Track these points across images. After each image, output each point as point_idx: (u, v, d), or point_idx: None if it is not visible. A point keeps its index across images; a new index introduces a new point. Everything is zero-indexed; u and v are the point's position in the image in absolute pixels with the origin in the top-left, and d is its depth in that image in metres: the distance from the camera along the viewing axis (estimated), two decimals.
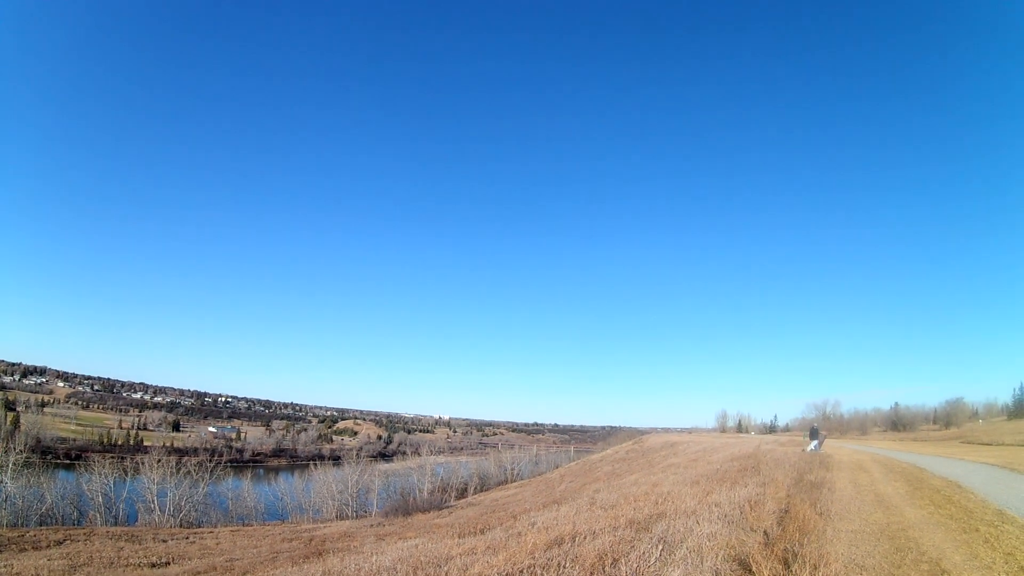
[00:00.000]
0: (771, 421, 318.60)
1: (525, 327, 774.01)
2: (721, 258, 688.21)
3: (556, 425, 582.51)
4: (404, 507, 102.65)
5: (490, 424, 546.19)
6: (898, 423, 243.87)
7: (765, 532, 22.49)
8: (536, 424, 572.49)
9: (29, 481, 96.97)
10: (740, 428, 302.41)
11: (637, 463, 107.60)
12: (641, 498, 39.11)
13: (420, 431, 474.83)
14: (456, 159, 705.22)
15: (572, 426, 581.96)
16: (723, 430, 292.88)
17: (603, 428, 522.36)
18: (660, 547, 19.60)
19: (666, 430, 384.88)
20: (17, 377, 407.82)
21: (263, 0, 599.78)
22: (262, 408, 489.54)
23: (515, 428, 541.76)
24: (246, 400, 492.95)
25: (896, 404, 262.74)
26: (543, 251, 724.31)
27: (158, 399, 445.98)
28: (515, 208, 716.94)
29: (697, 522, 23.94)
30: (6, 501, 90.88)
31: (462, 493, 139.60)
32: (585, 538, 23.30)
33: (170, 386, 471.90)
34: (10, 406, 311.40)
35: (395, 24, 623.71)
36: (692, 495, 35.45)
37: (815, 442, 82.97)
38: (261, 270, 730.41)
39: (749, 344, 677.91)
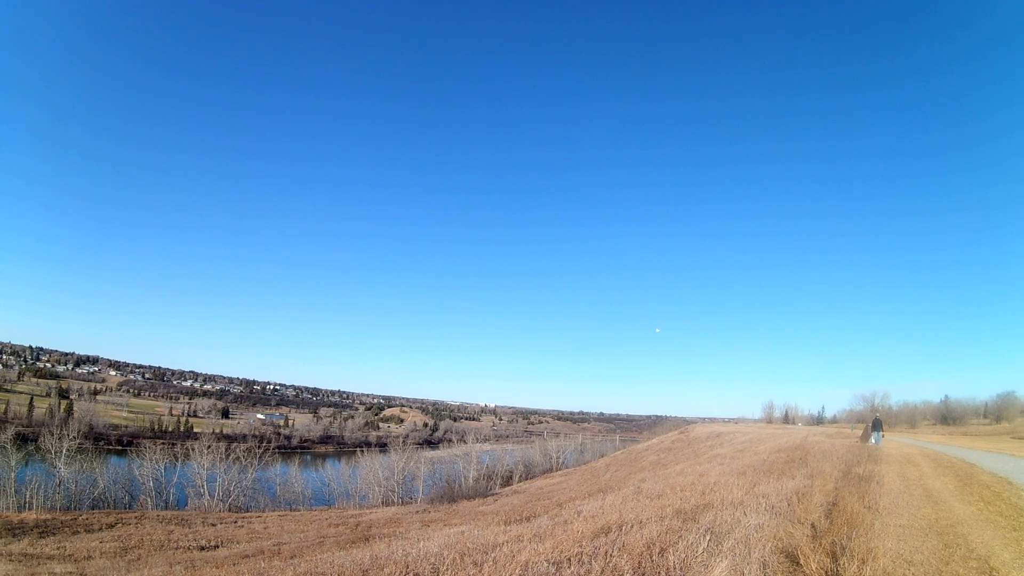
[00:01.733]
0: (818, 412, 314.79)
1: (572, 315, 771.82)
2: (769, 245, 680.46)
3: (602, 414, 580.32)
4: (449, 494, 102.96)
5: (536, 412, 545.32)
6: (948, 416, 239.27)
7: (813, 525, 22.40)
8: (582, 413, 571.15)
9: (82, 466, 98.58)
10: (787, 419, 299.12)
11: (683, 453, 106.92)
12: (687, 488, 38.96)
13: (466, 419, 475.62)
14: (493, 149, 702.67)
15: (618, 415, 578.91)
16: (769, 421, 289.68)
17: (648, 417, 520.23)
18: (707, 538, 19.60)
19: (712, 420, 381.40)
20: (71, 366, 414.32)
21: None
22: (310, 396, 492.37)
23: (560, 416, 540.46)
24: (294, 388, 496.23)
25: (946, 397, 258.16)
26: (592, 239, 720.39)
27: (208, 387, 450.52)
28: (558, 198, 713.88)
29: (744, 513, 23.85)
30: (60, 486, 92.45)
31: (507, 481, 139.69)
32: (632, 527, 23.30)
33: (219, 374, 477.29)
34: (64, 394, 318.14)
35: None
36: (739, 486, 35.26)
37: (877, 434, 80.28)
38: (310, 260, 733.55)
39: (796, 333, 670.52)
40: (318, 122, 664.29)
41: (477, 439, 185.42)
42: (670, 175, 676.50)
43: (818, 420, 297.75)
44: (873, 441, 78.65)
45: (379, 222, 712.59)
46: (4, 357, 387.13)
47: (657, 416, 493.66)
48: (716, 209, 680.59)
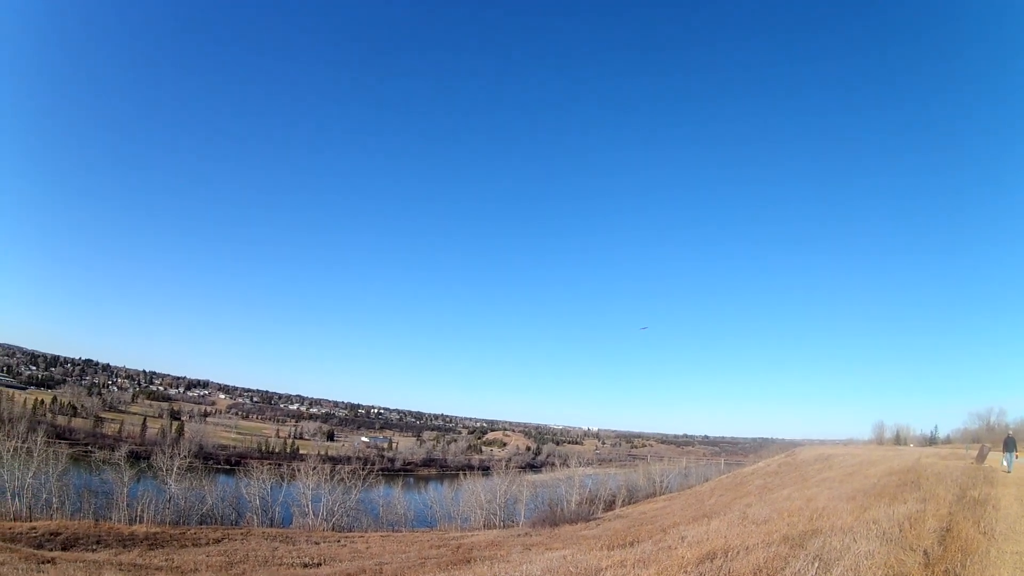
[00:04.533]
0: (931, 432, 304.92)
1: (677, 338, 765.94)
2: (879, 257, 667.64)
3: (706, 437, 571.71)
4: (551, 518, 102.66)
5: (639, 436, 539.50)
6: None
7: (925, 552, 21.76)
8: (685, 436, 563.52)
9: (191, 484, 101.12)
10: (898, 440, 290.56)
11: (790, 476, 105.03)
12: (795, 513, 38.29)
13: (569, 443, 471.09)
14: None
15: (722, 438, 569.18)
16: (880, 442, 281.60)
17: (754, 440, 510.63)
18: (816, 565, 19.18)
19: (820, 442, 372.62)
20: (182, 390, 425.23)
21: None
22: (413, 419, 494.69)
23: (664, 440, 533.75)
24: (398, 412, 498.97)
25: None
26: (695, 253, 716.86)
27: (313, 410, 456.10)
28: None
29: (854, 539, 23.32)
30: (170, 501, 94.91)
31: (610, 505, 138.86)
32: (738, 553, 22.93)
33: (325, 398, 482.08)
34: (175, 415, 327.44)
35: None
36: (848, 511, 34.50)
37: (1009, 455, 73.61)
38: (415, 287, 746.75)
39: (907, 350, 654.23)
40: (371, 141, 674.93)
41: (579, 463, 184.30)
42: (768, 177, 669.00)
43: (930, 440, 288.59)
44: (1004, 464, 72.24)
45: (478, 248, 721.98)
46: (119, 380, 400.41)
47: (763, 439, 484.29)
48: (819, 220, 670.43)
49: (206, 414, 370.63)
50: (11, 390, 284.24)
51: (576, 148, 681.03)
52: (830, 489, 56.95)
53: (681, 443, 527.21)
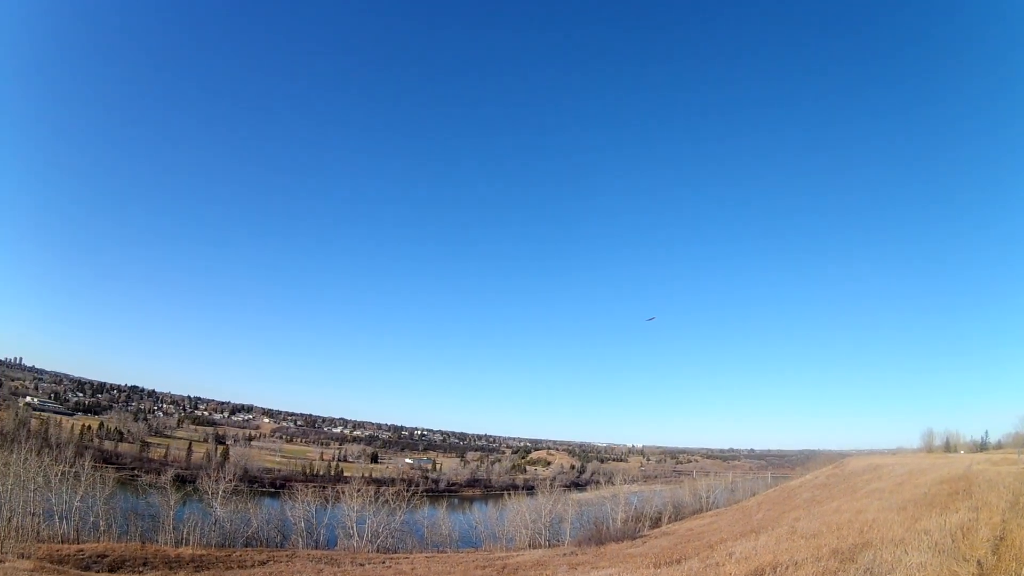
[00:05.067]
0: (981, 438, 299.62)
1: (720, 351, 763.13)
2: (920, 263, 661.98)
3: (752, 450, 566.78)
4: (597, 536, 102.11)
5: (684, 451, 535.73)
6: None
7: (979, 562, 21.18)
8: (731, 450, 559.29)
9: (236, 506, 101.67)
10: (947, 447, 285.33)
11: (838, 488, 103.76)
12: (844, 526, 37.74)
13: (613, 460, 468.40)
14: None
15: (768, 451, 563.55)
16: (929, 449, 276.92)
17: (800, 452, 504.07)
18: None
19: (868, 452, 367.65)
20: (226, 414, 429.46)
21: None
22: (457, 440, 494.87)
23: (709, 455, 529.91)
24: (441, 433, 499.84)
25: None
26: (737, 269, 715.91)
27: (357, 433, 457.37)
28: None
29: (905, 551, 22.82)
30: (215, 524, 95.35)
31: (656, 522, 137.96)
32: (787, 569, 22.50)
33: (369, 421, 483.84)
34: (220, 440, 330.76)
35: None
36: (898, 522, 33.88)
37: None
38: (454, 311, 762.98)
39: (955, 354, 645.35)
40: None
41: (624, 480, 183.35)
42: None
43: (981, 446, 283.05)
44: None
45: (521, 270, 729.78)
46: (165, 406, 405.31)
47: (810, 450, 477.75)
48: (863, 227, 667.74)
49: (251, 438, 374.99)
50: (59, 416, 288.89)
51: (601, 165, 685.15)
52: (880, 500, 56.07)
53: (727, 457, 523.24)
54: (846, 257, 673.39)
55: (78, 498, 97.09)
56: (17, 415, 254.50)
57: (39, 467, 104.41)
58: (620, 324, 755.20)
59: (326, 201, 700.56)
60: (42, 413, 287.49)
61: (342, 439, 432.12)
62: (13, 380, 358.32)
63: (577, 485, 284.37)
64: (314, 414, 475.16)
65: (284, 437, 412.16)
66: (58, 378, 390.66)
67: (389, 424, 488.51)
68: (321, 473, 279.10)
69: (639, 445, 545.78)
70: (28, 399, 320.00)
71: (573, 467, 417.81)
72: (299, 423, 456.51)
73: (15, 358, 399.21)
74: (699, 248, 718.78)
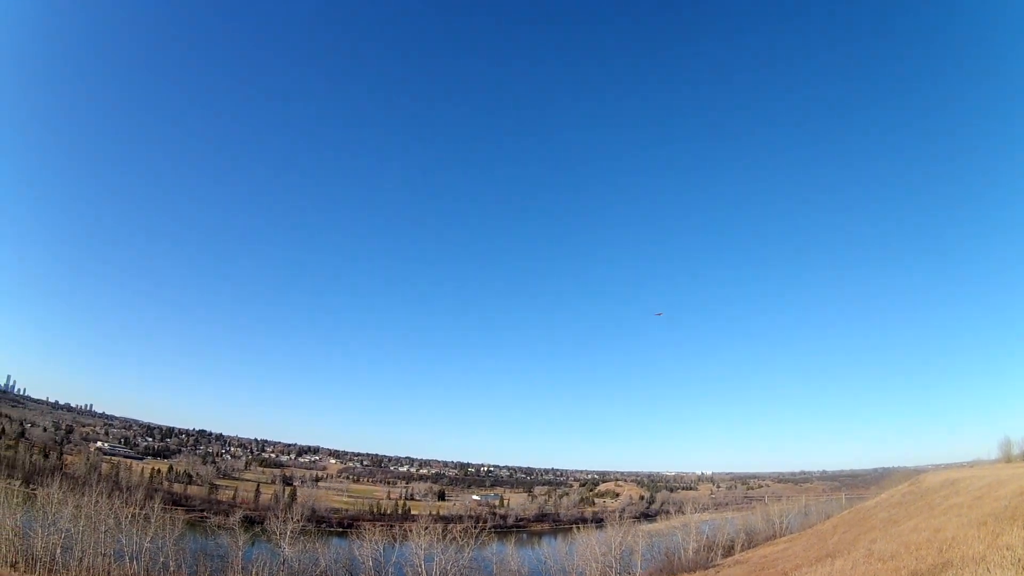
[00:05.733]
0: None
1: (786, 373, 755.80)
2: (984, 266, 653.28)
3: (824, 472, 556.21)
4: (668, 567, 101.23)
5: (754, 476, 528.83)
6: None
7: None
8: (803, 472, 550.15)
9: (305, 546, 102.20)
10: None
11: (915, 506, 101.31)
12: (923, 546, 36.55)
13: (683, 489, 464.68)
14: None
15: (841, 471, 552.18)
16: (1008, 459, 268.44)
17: (875, 471, 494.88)
18: None
19: (945, 466, 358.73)
20: (293, 456, 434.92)
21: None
22: (524, 475, 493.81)
23: (780, 479, 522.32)
24: (508, 468, 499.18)
25: None
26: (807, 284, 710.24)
27: (423, 471, 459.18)
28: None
29: (987, 569, 21.86)
30: (284, 564, 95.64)
31: (728, 550, 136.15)
32: None
33: (435, 459, 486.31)
34: (287, 481, 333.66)
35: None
36: (979, 538, 32.62)
37: None
38: (516, 347, 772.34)
39: None
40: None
41: (695, 509, 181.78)
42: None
43: None
44: None
45: (578, 301, 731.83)
46: (232, 449, 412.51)
47: (884, 468, 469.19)
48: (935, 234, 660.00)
49: (318, 479, 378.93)
50: (129, 460, 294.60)
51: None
52: (958, 516, 54.38)
53: (798, 480, 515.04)
54: (916, 268, 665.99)
55: (148, 539, 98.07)
56: (88, 459, 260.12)
57: (109, 509, 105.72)
58: (686, 353, 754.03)
59: (386, 244, 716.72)
60: (112, 457, 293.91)
61: (409, 478, 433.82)
62: (84, 426, 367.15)
63: (647, 516, 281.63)
64: (380, 454, 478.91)
65: (351, 477, 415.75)
66: (128, 423, 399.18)
67: (455, 461, 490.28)
68: (388, 512, 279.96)
69: (708, 472, 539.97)
70: (99, 444, 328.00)
71: (642, 498, 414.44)
72: (365, 463, 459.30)
73: (86, 405, 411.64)
74: (766, 272, 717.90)
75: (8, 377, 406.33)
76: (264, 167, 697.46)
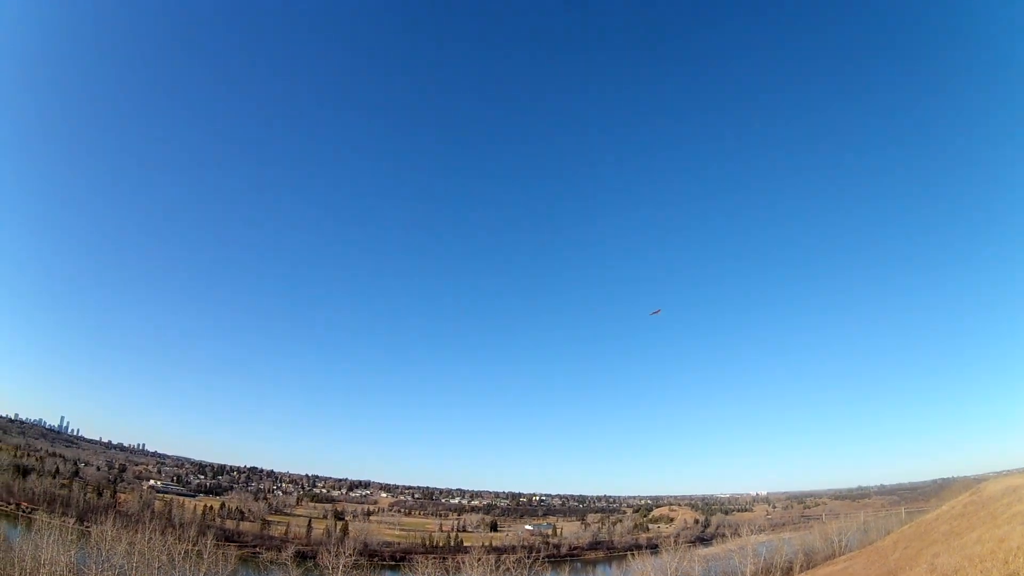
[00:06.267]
0: None
1: (840, 387, 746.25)
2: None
3: (882, 486, 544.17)
4: None
5: (811, 495, 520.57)
6: None
7: None
8: (860, 488, 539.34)
9: None
10: None
11: (977, 517, 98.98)
12: (987, 557, 35.47)
13: (738, 511, 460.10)
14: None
15: (900, 485, 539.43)
16: None
17: (934, 482, 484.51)
18: None
19: (1006, 473, 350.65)
20: (344, 491, 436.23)
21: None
22: (576, 503, 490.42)
23: (838, 496, 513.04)
24: (560, 497, 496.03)
25: None
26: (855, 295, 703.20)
27: (475, 502, 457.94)
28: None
29: None
30: None
31: (787, 572, 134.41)
32: None
33: (486, 490, 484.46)
34: (339, 516, 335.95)
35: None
36: None
37: None
38: (565, 375, 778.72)
39: None
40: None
41: (751, 531, 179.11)
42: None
43: None
44: None
45: (624, 328, 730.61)
46: (283, 485, 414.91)
47: (943, 479, 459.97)
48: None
49: (369, 513, 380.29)
50: (182, 498, 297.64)
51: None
52: (1023, 524, 52.85)
53: (856, 496, 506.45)
54: (967, 271, 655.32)
55: (201, 575, 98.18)
56: (141, 497, 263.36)
57: (163, 545, 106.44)
58: (737, 373, 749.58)
59: (435, 282, 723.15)
60: (165, 495, 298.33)
61: (460, 509, 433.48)
62: (137, 465, 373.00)
63: (702, 540, 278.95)
64: (431, 486, 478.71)
65: (402, 510, 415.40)
66: (180, 462, 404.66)
67: (507, 492, 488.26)
68: (440, 544, 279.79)
69: (763, 492, 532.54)
70: (151, 482, 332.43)
71: (697, 521, 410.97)
72: (416, 496, 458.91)
73: (138, 444, 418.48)
74: (814, 287, 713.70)
75: (62, 418, 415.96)
76: (324, 209, 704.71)
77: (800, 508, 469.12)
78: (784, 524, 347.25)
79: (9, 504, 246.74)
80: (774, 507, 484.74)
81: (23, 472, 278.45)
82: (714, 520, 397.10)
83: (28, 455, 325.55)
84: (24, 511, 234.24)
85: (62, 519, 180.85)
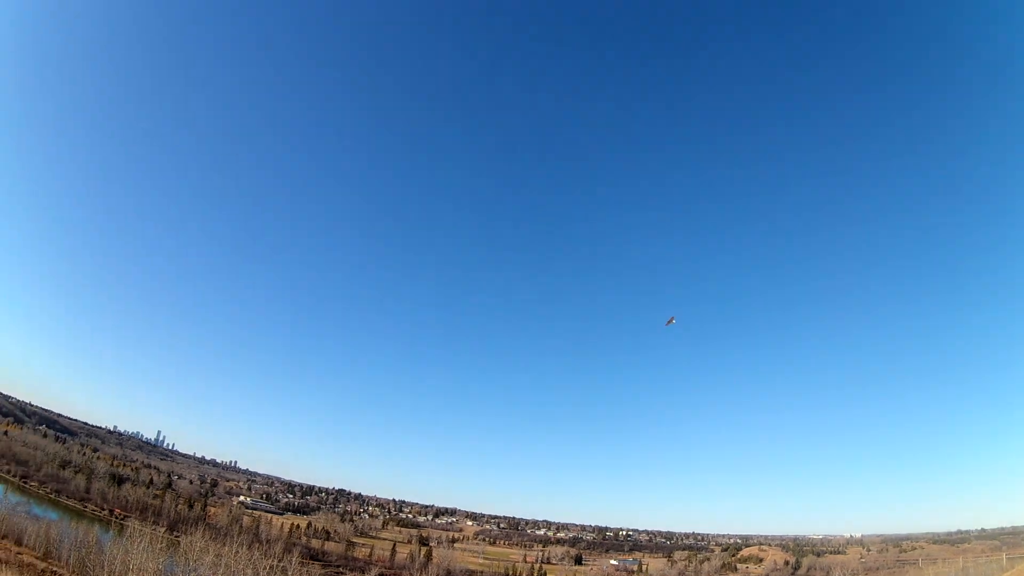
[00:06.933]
0: None
1: (938, 423, 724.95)
2: None
3: (983, 530, 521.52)
4: None
5: (907, 538, 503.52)
6: None
7: None
8: (959, 532, 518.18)
9: None
10: None
11: None
12: None
13: (830, 553, 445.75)
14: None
15: (1002, 529, 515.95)
16: None
17: None
18: None
19: None
20: (430, 517, 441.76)
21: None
22: (663, 540, 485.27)
23: (935, 539, 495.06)
24: (647, 532, 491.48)
25: None
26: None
27: (560, 535, 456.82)
28: None
29: None
30: None
31: None
32: None
33: (572, 522, 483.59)
34: (424, 541, 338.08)
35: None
36: None
37: None
38: (658, 409, 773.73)
39: None
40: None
41: (844, 574, 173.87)
42: None
43: None
44: None
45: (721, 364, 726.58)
46: (370, 508, 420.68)
47: None
48: None
49: (453, 540, 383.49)
50: (270, 515, 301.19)
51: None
52: None
53: (955, 541, 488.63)
54: None
55: None
56: (231, 512, 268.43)
57: (249, 560, 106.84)
58: (830, 409, 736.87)
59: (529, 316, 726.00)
60: (254, 511, 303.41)
61: (545, 541, 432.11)
62: (228, 480, 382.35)
63: None
64: (517, 516, 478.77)
65: (487, 539, 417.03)
66: (270, 480, 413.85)
67: (593, 525, 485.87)
68: (523, 575, 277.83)
69: (858, 535, 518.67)
70: (241, 498, 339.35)
71: (787, 563, 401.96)
72: (502, 526, 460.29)
73: (231, 461, 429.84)
74: (909, 319, 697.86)
75: (159, 432, 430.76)
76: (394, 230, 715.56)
77: (896, 552, 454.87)
78: (879, 568, 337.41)
79: (103, 510, 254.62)
80: (868, 550, 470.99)
81: (118, 481, 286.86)
82: (805, 562, 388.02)
83: (124, 465, 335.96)
84: (117, 518, 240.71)
85: (153, 527, 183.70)
